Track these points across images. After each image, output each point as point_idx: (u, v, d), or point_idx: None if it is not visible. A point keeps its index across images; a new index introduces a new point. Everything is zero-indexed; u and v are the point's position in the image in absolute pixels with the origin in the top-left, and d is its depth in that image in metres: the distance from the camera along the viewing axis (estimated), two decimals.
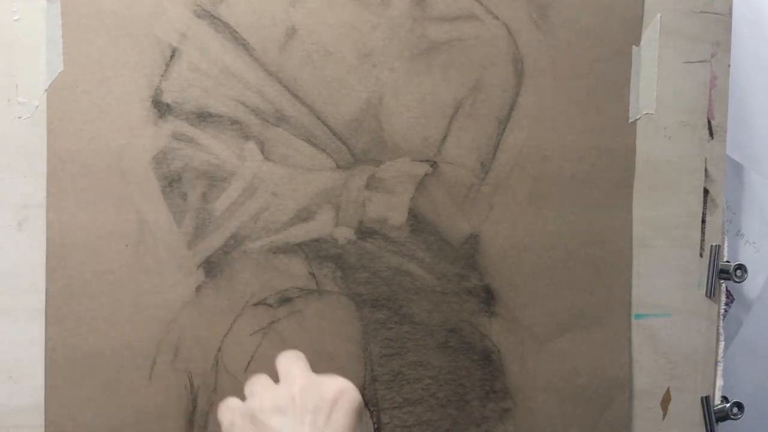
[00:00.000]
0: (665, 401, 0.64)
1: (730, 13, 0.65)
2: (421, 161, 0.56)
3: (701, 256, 0.65)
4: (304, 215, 0.53)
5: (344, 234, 0.54)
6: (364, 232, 0.55)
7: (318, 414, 0.41)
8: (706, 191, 0.65)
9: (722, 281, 0.66)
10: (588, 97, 0.60)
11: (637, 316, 0.63)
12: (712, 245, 0.65)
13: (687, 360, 0.64)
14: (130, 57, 0.49)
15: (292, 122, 0.53)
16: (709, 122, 0.64)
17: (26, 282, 0.49)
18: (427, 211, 0.56)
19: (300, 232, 0.53)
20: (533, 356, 0.59)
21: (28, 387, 0.49)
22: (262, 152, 0.52)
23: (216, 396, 0.52)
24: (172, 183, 0.51)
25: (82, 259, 0.49)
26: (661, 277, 0.63)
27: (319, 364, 0.54)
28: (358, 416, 0.42)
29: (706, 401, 0.66)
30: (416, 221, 0.56)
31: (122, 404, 0.50)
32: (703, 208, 0.65)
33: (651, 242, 0.63)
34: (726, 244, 0.66)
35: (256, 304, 0.53)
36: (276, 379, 0.45)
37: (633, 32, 0.61)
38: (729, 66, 0.65)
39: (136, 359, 0.50)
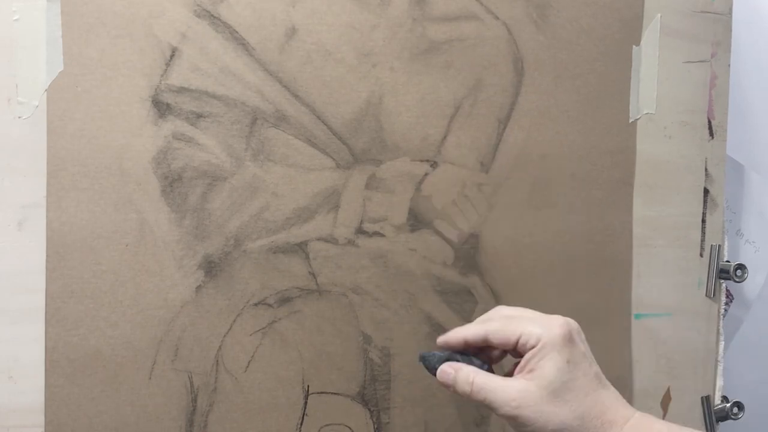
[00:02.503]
0: (665, 401, 0.64)
1: (730, 13, 0.65)
2: (421, 161, 0.56)
3: (701, 255, 0.65)
4: (304, 215, 0.53)
5: (344, 234, 0.54)
6: (364, 231, 0.55)
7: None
8: (706, 191, 0.65)
9: (722, 281, 0.66)
10: (588, 97, 0.60)
11: (637, 316, 0.63)
12: (712, 245, 0.65)
13: (687, 360, 0.64)
14: (130, 57, 0.49)
15: (292, 122, 0.53)
16: (709, 122, 0.64)
17: (26, 282, 0.49)
18: (427, 211, 0.56)
19: (300, 232, 0.53)
20: None
21: (28, 387, 0.49)
22: (262, 152, 0.52)
23: (216, 396, 0.52)
24: (172, 183, 0.51)
25: (82, 259, 0.49)
26: (661, 277, 0.63)
27: (319, 364, 0.54)
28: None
29: (706, 401, 0.66)
30: (416, 221, 0.56)
31: (122, 404, 0.50)
32: (703, 208, 0.65)
33: (651, 242, 0.63)
34: (726, 243, 0.66)
35: (256, 304, 0.53)
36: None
37: (633, 32, 0.61)
38: (729, 66, 0.65)
39: (136, 359, 0.50)
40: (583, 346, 0.46)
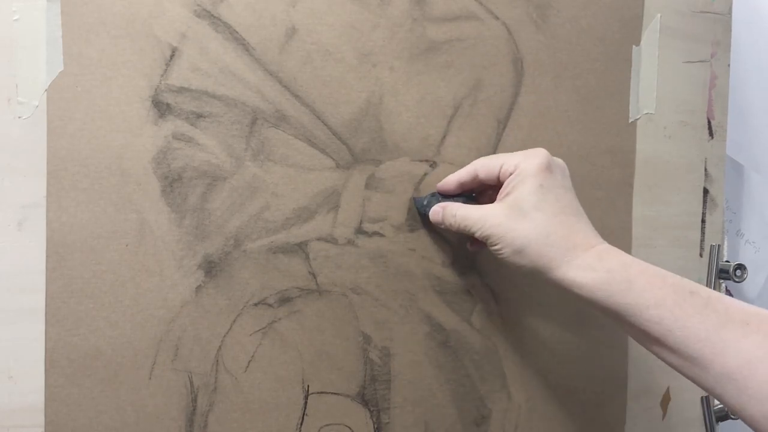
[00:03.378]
0: (665, 401, 0.64)
1: (730, 13, 0.65)
2: (421, 161, 0.56)
3: (701, 256, 0.65)
4: (304, 215, 0.53)
5: (344, 234, 0.54)
6: (363, 231, 0.55)
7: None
8: (706, 191, 0.65)
9: (722, 281, 0.66)
10: (588, 97, 0.60)
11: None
12: (712, 245, 0.65)
13: None
14: (130, 57, 0.49)
15: (292, 122, 0.53)
16: (709, 122, 0.64)
17: (26, 282, 0.49)
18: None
19: (300, 232, 0.53)
20: (533, 356, 0.59)
21: (28, 387, 0.49)
22: (262, 152, 0.52)
23: (216, 396, 0.52)
24: (172, 183, 0.51)
25: (82, 259, 0.49)
26: None
27: (319, 364, 0.54)
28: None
29: (706, 401, 0.66)
30: (416, 221, 0.56)
31: (122, 404, 0.50)
32: (703, 208, 0.65)
33: (651, 242, 0.63)
34: (726, 243, 0.66)
35: (256, 304, 0.53)
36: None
37: (633, 32, 0.61)
38: (729, 66, 0.65)
39: (136, 359, 0.50)
40: (560, 177, 0.49)
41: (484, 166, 0.51)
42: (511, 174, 0.49)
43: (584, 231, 0.48)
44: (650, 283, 0.44)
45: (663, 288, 0.43)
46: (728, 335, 0.40)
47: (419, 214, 0.55)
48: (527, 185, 0.47)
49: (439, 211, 0.53)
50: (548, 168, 0.48)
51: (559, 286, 0.47)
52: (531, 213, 0.47)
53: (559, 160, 0.50)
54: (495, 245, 0.48)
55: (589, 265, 0.46)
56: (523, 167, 0.48)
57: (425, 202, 0.54)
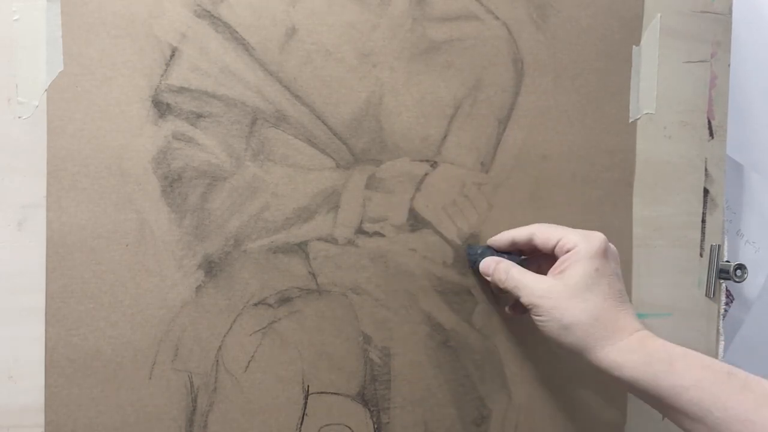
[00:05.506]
0: None
1: (730, 13, 0.65)
2: (421, 161, 0.56)
3: (701, 256, 0.65)
4: (304, 215, 0.53)
5: (344, 234, 0.54)
6: (364, 231, 0.55)
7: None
8: (706, 191, 0.65)
9: (722, 281, 0.66)
10: (588, 97, 0.60)
11: (637, 316, 0.63)
12: (712, 245, 0.65)
13: None
14: (130, 57, 0.49)
15: (292, 122, 0.53)
16: (709, 122, 0.64)
17: (26, 282, 0.49)
18: (427, 211, 0.56)
19: (300, 232, 0.53)
20: (533, 355, 0.59)
21: (28, 387, 0.49)
22: (262, 152, 0.52)
23: (216, 396, 0.52)
24: (172, 183, 0.51)
25: (82, 259, 0.49)
26: (661, 277, 0.63)
27: (319, 364, 0.54)
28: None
29: None
30: (416, 221, 0.56)
31: (122, 404, 0.50)
32: (703, 208, 0.65)
33: (651, 242, 0.63)
34: (726, 243, 0.66)
35: (256, 304, 0.53)
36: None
37: (633, 32, 0.61)
38: (729, 66, 0.65)
39: (136, 359, 0.50)
40: (614, 264, 0.50)
41: (542, 234, 0.52)
42: (568, 251, 0.50)
43: (629, 317, 0.49)
44: (689, 364, 0.45)
45: (702, 369, 0.45)
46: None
47: (469, 261, 0.56)
48: (583, 267, 0.48)
49: (491, 265, 0.54)
50: (605, 254, 0.49)
51: (598, 367, 0.48)
52: (584, 294, 0.48)
53: (613, 247, 0.51)
54: (540, 316, 0.49)
55: (631, 347, 0.47)
56: (582, 248, 0.49)
57: (479, 251, 0.55)
